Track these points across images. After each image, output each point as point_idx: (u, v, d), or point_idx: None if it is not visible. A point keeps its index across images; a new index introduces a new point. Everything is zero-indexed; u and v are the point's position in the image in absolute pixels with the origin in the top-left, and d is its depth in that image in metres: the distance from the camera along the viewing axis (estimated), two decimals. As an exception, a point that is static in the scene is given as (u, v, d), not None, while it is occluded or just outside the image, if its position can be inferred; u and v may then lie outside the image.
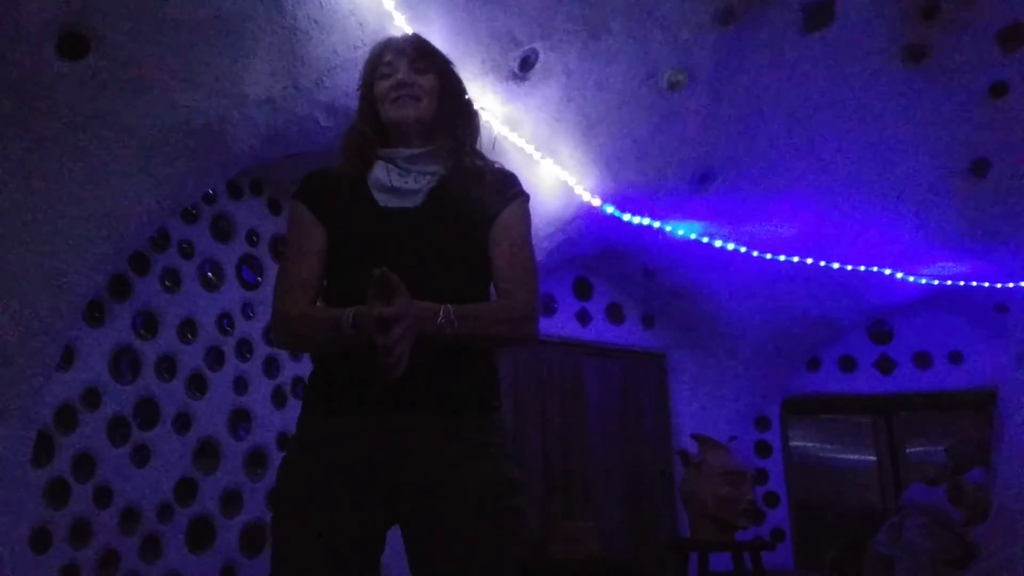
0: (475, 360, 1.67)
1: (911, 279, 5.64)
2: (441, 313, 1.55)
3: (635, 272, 5.48)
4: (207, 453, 3.80)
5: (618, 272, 5.53)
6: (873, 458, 6.49)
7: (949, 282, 5.72)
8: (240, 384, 3.96)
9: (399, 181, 1.74)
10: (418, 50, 1.81)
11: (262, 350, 4.06)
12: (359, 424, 1.60)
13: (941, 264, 5.56)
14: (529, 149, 3.91)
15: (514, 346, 1.76)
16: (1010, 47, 4.40)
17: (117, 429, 3.51)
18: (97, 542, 3.38)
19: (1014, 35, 4.35)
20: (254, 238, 4.12)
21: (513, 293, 1.69)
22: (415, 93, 1.76)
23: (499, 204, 1.74)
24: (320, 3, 2.91)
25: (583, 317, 5.59)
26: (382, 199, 1.73)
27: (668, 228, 4.87)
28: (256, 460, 3.97)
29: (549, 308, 5.38)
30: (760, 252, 5.20)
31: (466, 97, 1.87)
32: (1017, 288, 5.49)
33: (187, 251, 3.85)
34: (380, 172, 1.76)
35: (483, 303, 1.70)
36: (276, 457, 3.99)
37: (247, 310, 4.04)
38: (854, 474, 6.61)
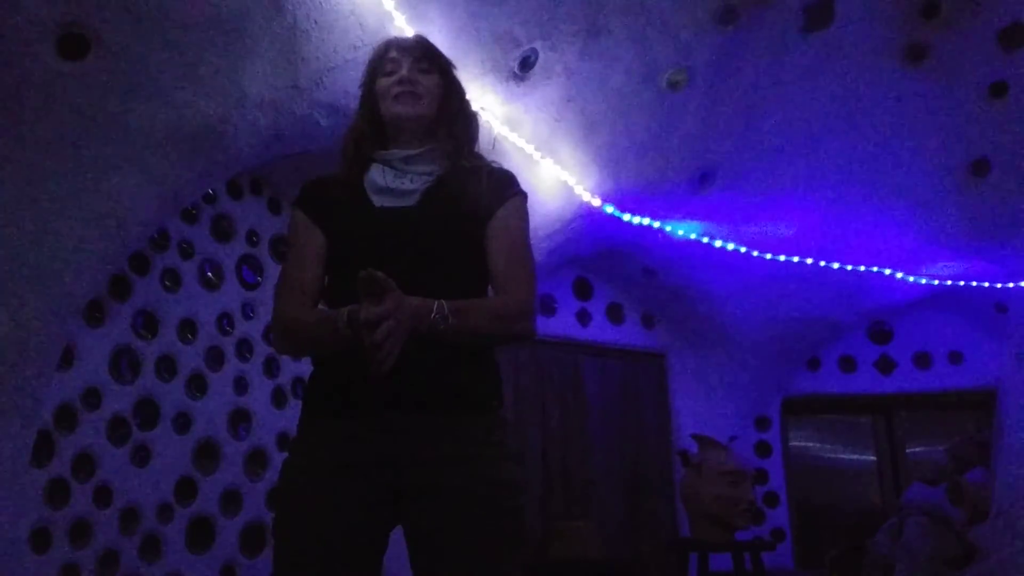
0: (474, 358, 1.66)
1: (911, 279, 5.64)
2: (435, 308, 1.54)
3: (635, 272, 5.48)
4: (207, 453, 3.80)
5: (618, 272, 5.53)
6: (873, 458, 6.49)
7: (949, 282, 5.72)
8: (240, 384, 3.96)
9: (395, 182, 1.75)
10: (423, 50, 1.82)
11: (262, 350, 4.06)
12: (359, 425, 1.60)
13: (941, 264, 5.56)
14: (529, 149, 3.91)
15: (511, 343, 1.75)
16: (1010, 47, 4.40)
17: (117, 429, 3.51)
18: (97, 542, 3.37)
19: (1014, 35, 4.36)
20: (254, 238, 4.12)
21: (510, 289, 1.69)
22: (417, 91, 1.76)
23: (496, 202, 1.74)
24: (320, 3, 2.91)
25: (583, 317, 5.59)
26: (378, 200, 1.74)
27: (668, 228, 4.87)
28: (256, 460, 3.97)
29: (549, 308, 5.38)
30: (760, 252, 5.20)
31: (466, 101, 1.88)
32: (1017, 288, 5.49)
33: (187, 251, 3.85)
34: (376, 174, 1.77)
35: (479, 299, 1.70)
36: (276, 457, 3.99)
37: (247, 310, 4.04)
38: (854, 474, 6.61)
